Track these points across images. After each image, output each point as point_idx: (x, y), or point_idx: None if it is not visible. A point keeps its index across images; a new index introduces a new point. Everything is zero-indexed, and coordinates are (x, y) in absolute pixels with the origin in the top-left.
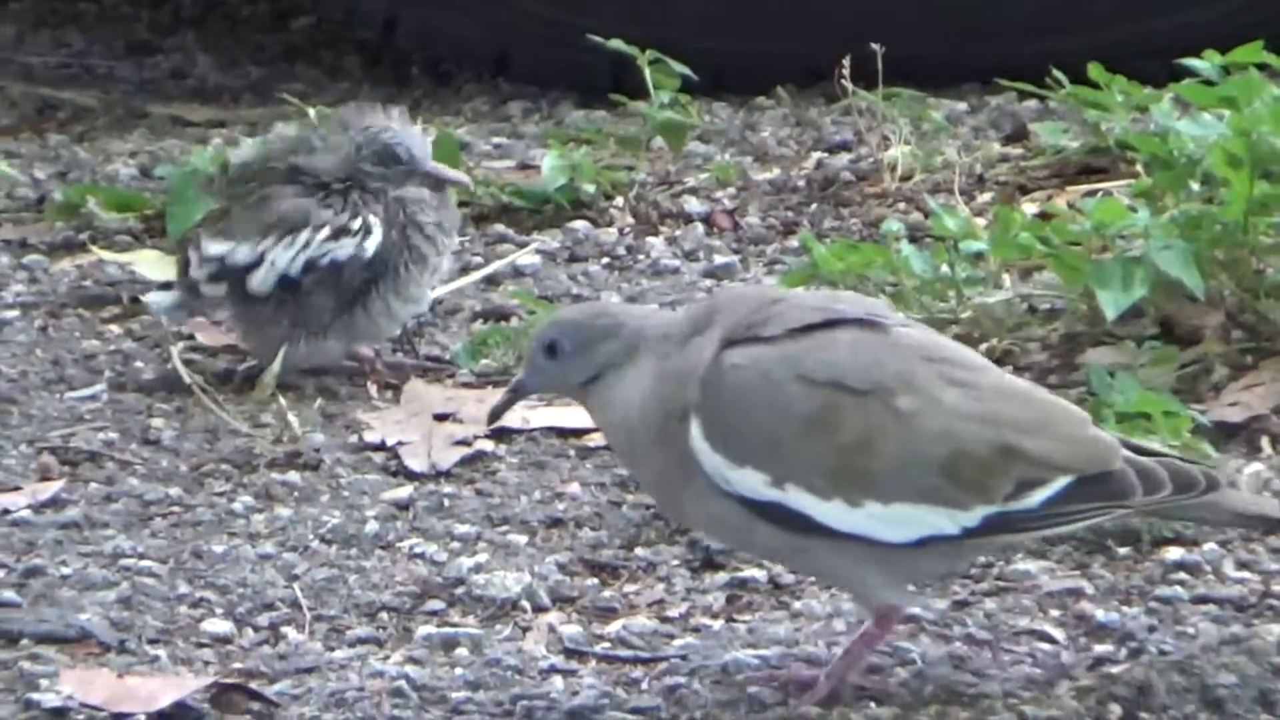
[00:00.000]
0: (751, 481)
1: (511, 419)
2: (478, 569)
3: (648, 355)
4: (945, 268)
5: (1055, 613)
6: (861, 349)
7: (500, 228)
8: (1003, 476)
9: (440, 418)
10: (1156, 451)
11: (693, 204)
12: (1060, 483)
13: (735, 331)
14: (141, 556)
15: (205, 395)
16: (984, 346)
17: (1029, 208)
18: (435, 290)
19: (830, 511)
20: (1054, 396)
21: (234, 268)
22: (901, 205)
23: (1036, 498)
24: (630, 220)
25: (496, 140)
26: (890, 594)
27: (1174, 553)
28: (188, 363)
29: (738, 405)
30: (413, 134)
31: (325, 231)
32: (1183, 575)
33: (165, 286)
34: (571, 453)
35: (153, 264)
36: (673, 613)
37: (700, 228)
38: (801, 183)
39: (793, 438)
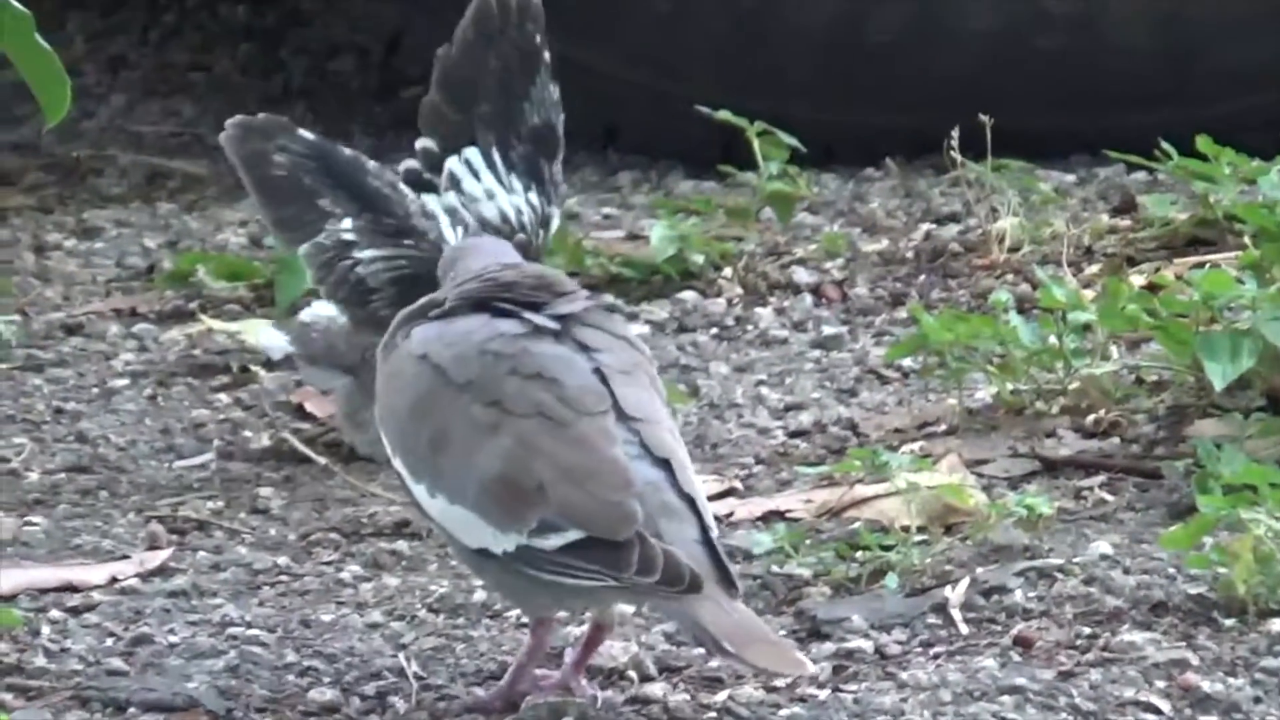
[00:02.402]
0: (383, 442)
1: None
2: None
3: None
4: (1053, 338)
5: (1160, 684)
6: (485, 343)
7: (609, 298)
8: (530, 512)
9: None
10: (721, 557)
11: (801, 274)
12: (572, 535)
13: (438, 298)
14: (249, 625)
15: (314, 464)
16: (1091, 417)
17: (1137, 279)
18: None
19: (420, 494)
20: (620, 456)
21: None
22: (1010, 276)
23: (552, 541)
24: (739, 290)
25: (605, 210)
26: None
27: None
28: (296, 431)
29: (383, 368)
30: None
31: None
32: None
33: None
34: None
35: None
36: (779, 683)
37: (809, 298)
38: (910, 254)
39: (401, 411)
